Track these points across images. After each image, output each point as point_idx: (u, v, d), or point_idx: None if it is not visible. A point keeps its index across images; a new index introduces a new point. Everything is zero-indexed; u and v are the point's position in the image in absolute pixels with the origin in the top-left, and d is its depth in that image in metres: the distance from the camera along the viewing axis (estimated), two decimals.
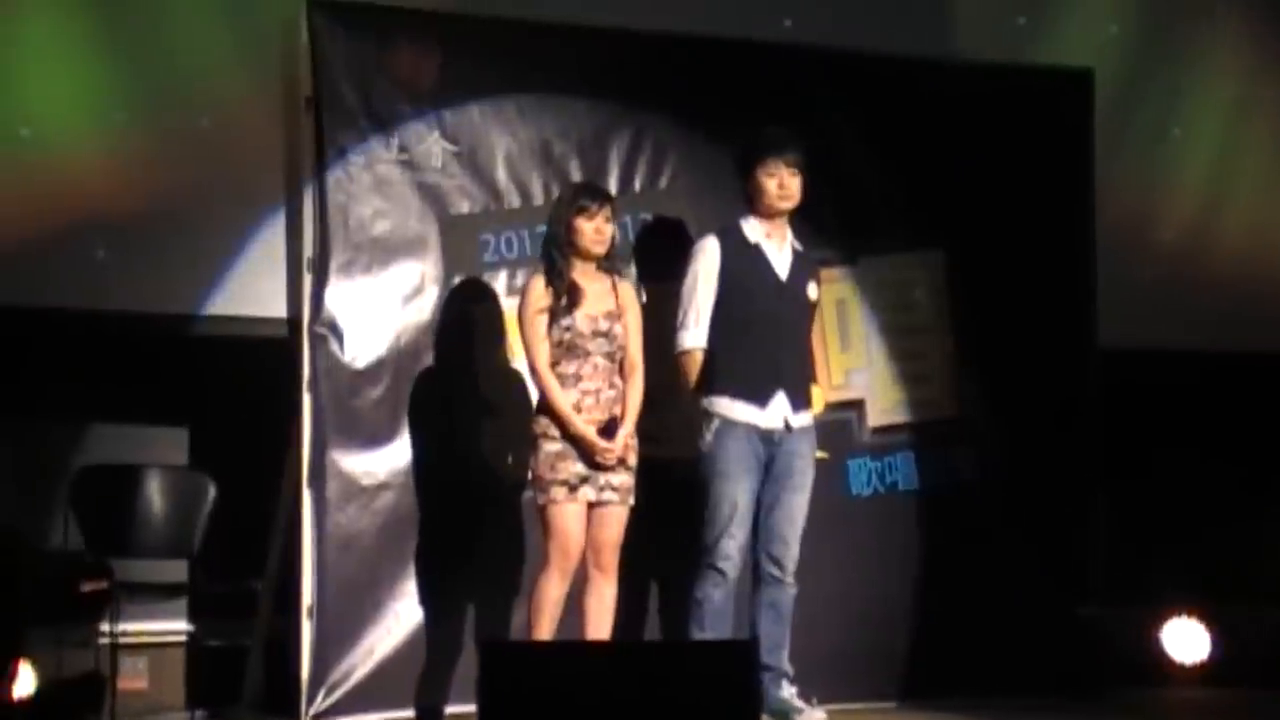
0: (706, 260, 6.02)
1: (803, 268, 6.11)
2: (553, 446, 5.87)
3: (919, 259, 6.96)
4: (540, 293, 5.90)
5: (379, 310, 6.37)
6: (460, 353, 6.41)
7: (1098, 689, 6.85)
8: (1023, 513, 6.94)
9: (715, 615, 5.92)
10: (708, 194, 6.48)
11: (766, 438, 5.96)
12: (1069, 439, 7.03)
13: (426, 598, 6.29)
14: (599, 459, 5.84)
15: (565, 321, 5.89)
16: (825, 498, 6.42)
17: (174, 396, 6.56)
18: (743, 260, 6.03)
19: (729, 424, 5.95)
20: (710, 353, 5.98)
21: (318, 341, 6.30)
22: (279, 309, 6.51)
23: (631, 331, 5.98)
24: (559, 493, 5.85)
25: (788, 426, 5.98)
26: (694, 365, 6.00)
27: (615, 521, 5.92)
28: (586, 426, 5.84)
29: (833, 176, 6.69)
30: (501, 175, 6.51)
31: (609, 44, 6.64)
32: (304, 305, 6.32)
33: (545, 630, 5.84)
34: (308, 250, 6.34)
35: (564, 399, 5.85)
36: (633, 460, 5.92)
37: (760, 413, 5.96)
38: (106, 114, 6.41)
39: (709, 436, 5.96)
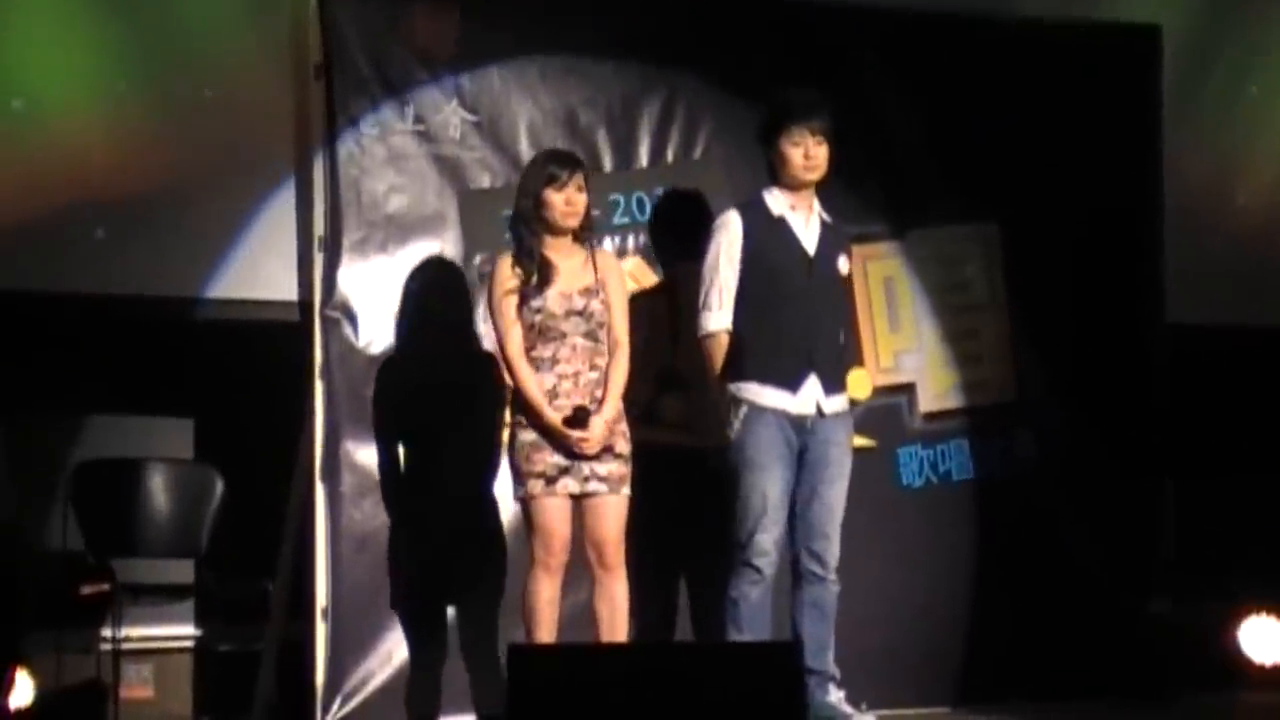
0: (728, 236, 5.98)
1: (832, 241, 6.06)
2: (527, 436, 5.79)
3: (972, 232, 6.95)
4: (507, 273, 5.82)
5: (395, 292, 6.35)
6: (476, 338, 6.36)
7: (1168, 692, 6.84)
8: (1086, 502, 6.92)
9: (752, 615, 5.90)
10: (744, 164, 6.41)
11: (798, 424, 5.92)
12: (1135, 422, 7.03)
13: (405, 601, 6.25)
14: (576, 449, 5.77)
15: (536, 302, 5.80)
16: (874, 489, 6.46)
17: (178, 385, 6.56)
18: (767, 235, 5.99)
19: (757, 410, 5.91)
20: (736, 335, 5.95)
21: (330, 325, 6.30)
22: (289, 291, 6.50)
23: (615, 306, 5.87)
24: (536, 485, 5.77)
25: (820, 412, 5.94)
26: (719, 349, 5.96)
27: (611, 513, 5.81)
28: (554, 415, 5.74)
29: (879, 144, 6.72)
30: (524, 146, 6.48)
31: (639, 2, 6.63)
32: (315, 287, 6.32)
33: (544, 635, 5.77)
34: (319, 228, 6.34)
35: (534, 386, 5.76)
36: (623, 447, 5.83)
37: (791, 398, 5.92)
38: (105, 84, 6.41)
39: (737, 424, 5.92)
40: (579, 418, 5.74)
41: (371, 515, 6.27)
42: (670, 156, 6.63)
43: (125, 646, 6.17)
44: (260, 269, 6.50)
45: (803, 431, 5.94)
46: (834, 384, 6.00)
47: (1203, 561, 7.01)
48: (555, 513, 5.78)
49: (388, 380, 6.23)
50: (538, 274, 5.80)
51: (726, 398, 5.94)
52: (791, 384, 5.92)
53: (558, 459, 5.75)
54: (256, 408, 6.42)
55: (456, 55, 6.44)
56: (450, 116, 6.42)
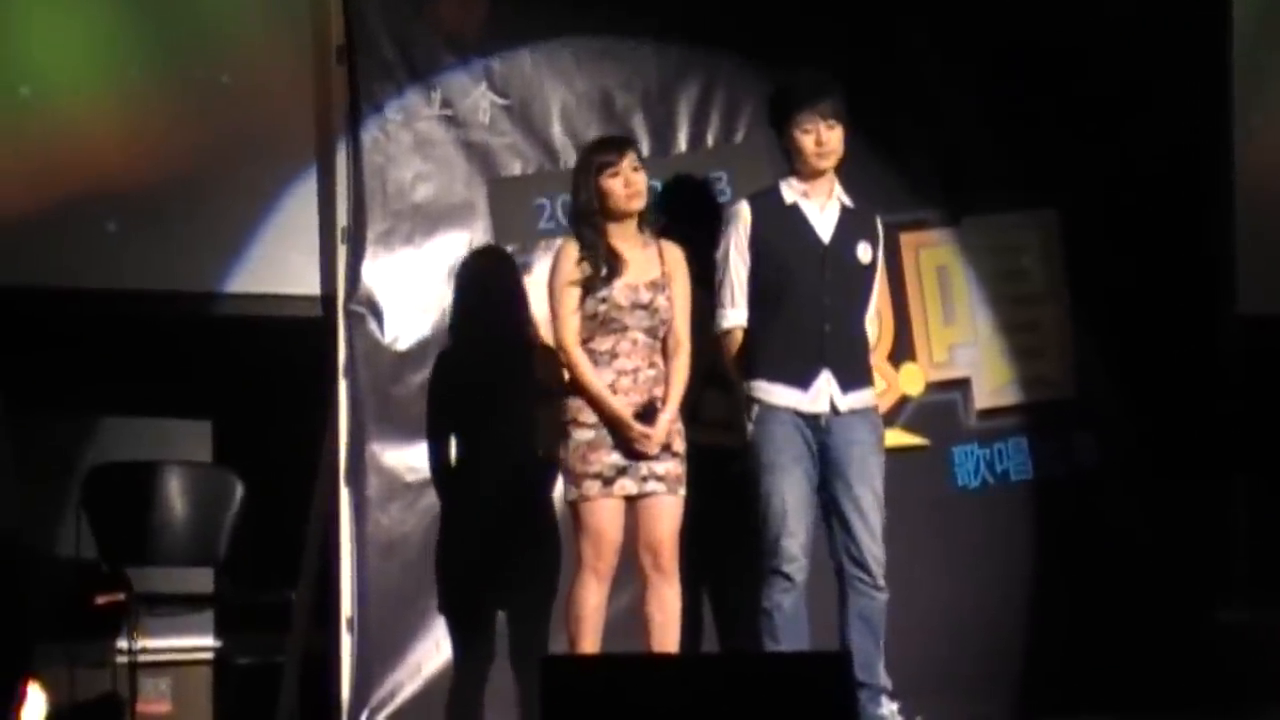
0: (738, 228, 5.98)
1: (852, 227, 6.02)
2: (584, 435, 5.81)
3: (1030, 218, 6.91)
4: (571, 265, 5.86)
5: (422, 285, 6.35)
6: (512, 332, 6.39)
7: (1241, 704, 6.78)
8: (1153, 504, 6.89)
9: (788, 625, 5.87)
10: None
11: (813, 423, 5.91)
12: (1204, 418, 7.00)
13: (455, 607, 6.29)
14: (638, 446, 5.77)
15: (602, 293, 5.84)
16: (927, 490, 6.48)
17: (195, 385, 6.57)
18: (777, 224, 5.98)
19: (770, 410, 5.91)
20: (749, 331, 5.95)
21: (355, 321, 6.28)
22: (311, 285, 6.49)
23: (678, 303, 5.91)
24: (592, 487, 5.79)
25: (835, 409, 5.92)
26: (733, 346, 5.98)
27: (667, 514, 5.84)
28: (622, 407, 5.76)
29: (931, 126, 6.70)
30: (557, 131, 6.48)
31: None
32: (339, 281, 6.31)
33: (589, 643, 5.78)
34: (342, 219, 6.33)
35: (596, 377, 5.80)
36: (680, 446, 5.86)
37: (802, 395, 5.91)
38: (116, 69, 6.40)
39: (751, 425, 5.92)
40: (648, 413, 5.77)
41: (399, 520, 6.27)
42: (710, 141, 6.62)
43: (141, 659, 6.15)
44: (280, 262, 6.49)
45: (819, 431, 5.92)
46: (852, 379, 5.97)
47: (1277, 565, 6.96)
48: (609, 515, 5.79)
49: (443, 372, 6.25)
50: (606, 265, 5.83)
51: (742, 397, 5.95)
52: (803, 381, 5.92)
53: (615, 459, 5.77)
54: (277, 408, 6.41)
55: (486, 36, 6.43)
56: (479, 100, 6.42)
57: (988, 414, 6.79)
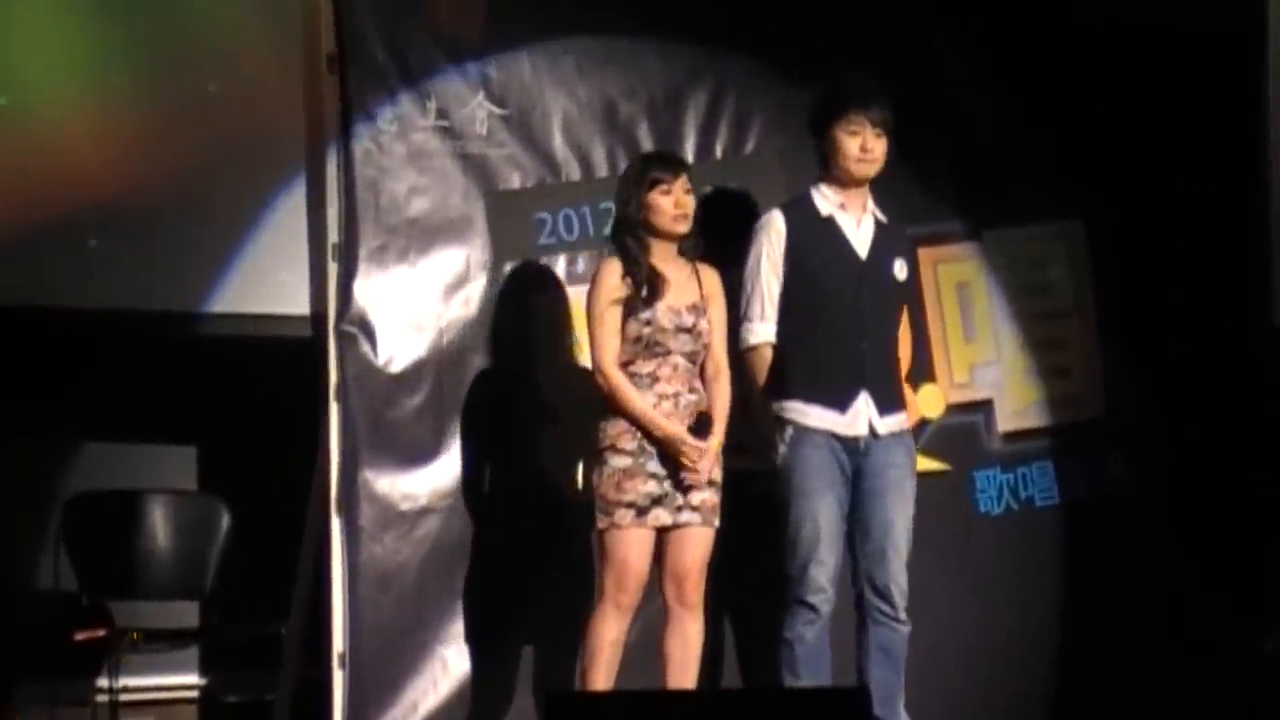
0: (770, 239, 5.96)
1: (888, 242, 6.02)
2: (620, 462, 5.80)
3: (1056, 230, 6.90)
4: (616, 282, 5.86)
5: (417, 304, 6.34)
6: (514, 352, 6.39)
7: None
8: (1187, 529, 6.86)
9: (809, 658, 5.86)
10: (802, 160, 6.35)
11: (850, 447, 5.90)
12: (1242, 439, 6.95)
13: (475, 642, 6.26)
14: (689, 463, 5.76)
15: (645, 314, 5.84)
16: (948, 517, 6.44)
17: (179, 409, 6.58)
18: (813, 237, 5.96)
19: (804, 432, 5.90)
20: (780, 349, 5.94)
21: (346, 342, 6.26)
22: (301, 304, 6.49)
23: (717, 327, 5.94)
24: (624, 516, 5.78)
25: (874, 433, 5.92)
26: (762, 364, 5.96)
27: (698, 546, 5.85)
28: (675, 425, 5.77)
29: (951, 133, 6.67)
30: (558, 142, 6.47)
31: None
32: (329, 300, 6.29)
33: (602, 678, 5.77)
34: (333, 235, 6.31)
35: (640, 399, 5.79)
36: (717, 474, 5.88)
37: (840, 418, 5.90)
38: (97, 77, 6.39)
39: (783, 448, 5.91)
40: (702, 427, 5.79)
41: (394, 550, 6.25)
42: (719, 152, 6.61)
43: (124, 698, 6.14)
44: (269, 280, 6.50)
45: (855, 454, 5.91)
46: (889, 402, 5.96)
47: None
48: (638, 546, 5.79)
49: (441, 394, 6.28)
50: (648, 285, 5.83)
51: (770, 418, 5.92)
52: (840, 403, 5.90)
53: (650, 488, 5.78)
54: (266, 433, 6.42)
55: (482, 42, 6.41)
56: (476, 110, 6.40)
57: (1012, 436, 6.78)
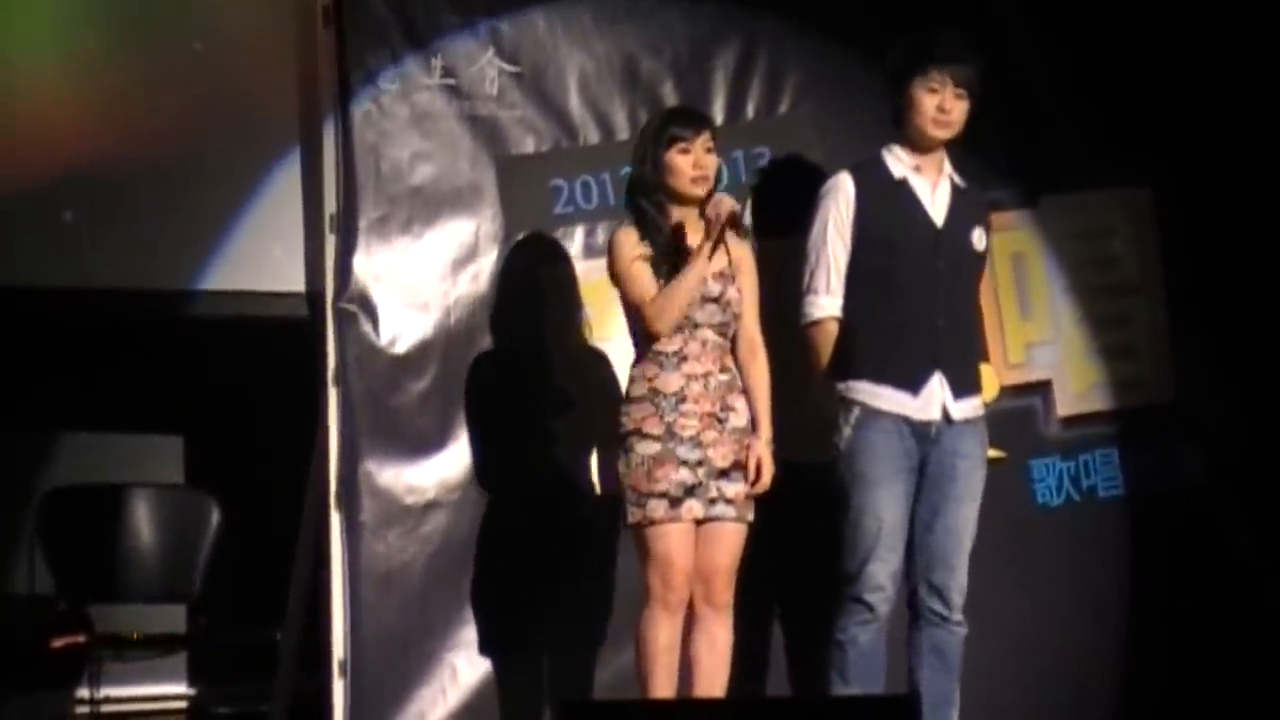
0: (838, 204, 5.92)
1: (966, 209, 5.98)
2: (649, 448, 5.73)
3: (1120, 198, 6.85)
4: (634, 241, 5.80)
5: (422, 280, 6.33)
6: (527, 332, 6.36)
7: None
8: (1265, 522, 6.77)
9: (863, 662, 5.82)
10: (841, 121, 6.39)
11: (921, 432, 5.86)
12: None
13: (488, 648, 6.24)
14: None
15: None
16: (1003, 509, 6.30)
17: (165, 396, 6.68)
18: (885, 202, 5.91)
19: (872, 415, 5.85)
20: (846, 324, 5.90)
21: (345, 321, 6.24)
22: (296, 281, 6.48)
23: (749, 297, 5.89)
24: (657, 508, 5.72)
25: (948, 418, 5.88)
26: (826, 340, 5.91)
27: (729, 542, 5.82)
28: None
29: (1006, 93, 6.53)
30: (575, 103, 6.45)
31: None
32: (327, 276, 6.27)
33: (663, 684, 5.74)
34: (330, 206, 6.28)
35: (682, 275, 5.67)
36: (768, 475, 5.81)
37: (911, 401, 5.86)
38: (71, 37, 6.40)
39: (847, 431, 5.86)
40: (721, 422, 5.73)
41: (398, 548, 6.23)
42: (750, 112, 6.57)
43: (106, 709, 6.23)
44: (261, 255, 6.48)
45: (925, 441, 5.88)
46: (964, 384, 5.93)
47: None
48: (678, 540, 5.75)
49: (481, 378, 6.27)
50: (668, 253, 5.79)
51: (834, 399, 5.89)
52: (913, 384, 5.86)
53: (683, 476, 5.73)
54: (258, 421, 6.57)
55: None
56: (486, 68, 6.38)
57: (1072, 422, 6.73)
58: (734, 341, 5.87)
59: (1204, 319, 6.81)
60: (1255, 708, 6.62)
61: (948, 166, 5.99)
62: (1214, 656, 6.65)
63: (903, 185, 5.93)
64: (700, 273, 5.68)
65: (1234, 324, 6.82)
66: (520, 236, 6.35)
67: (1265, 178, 6.85)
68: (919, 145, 5.93)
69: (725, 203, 5.69)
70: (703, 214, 5.85)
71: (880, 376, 5.85)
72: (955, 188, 5.98)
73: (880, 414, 5.84)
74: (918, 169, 5.94)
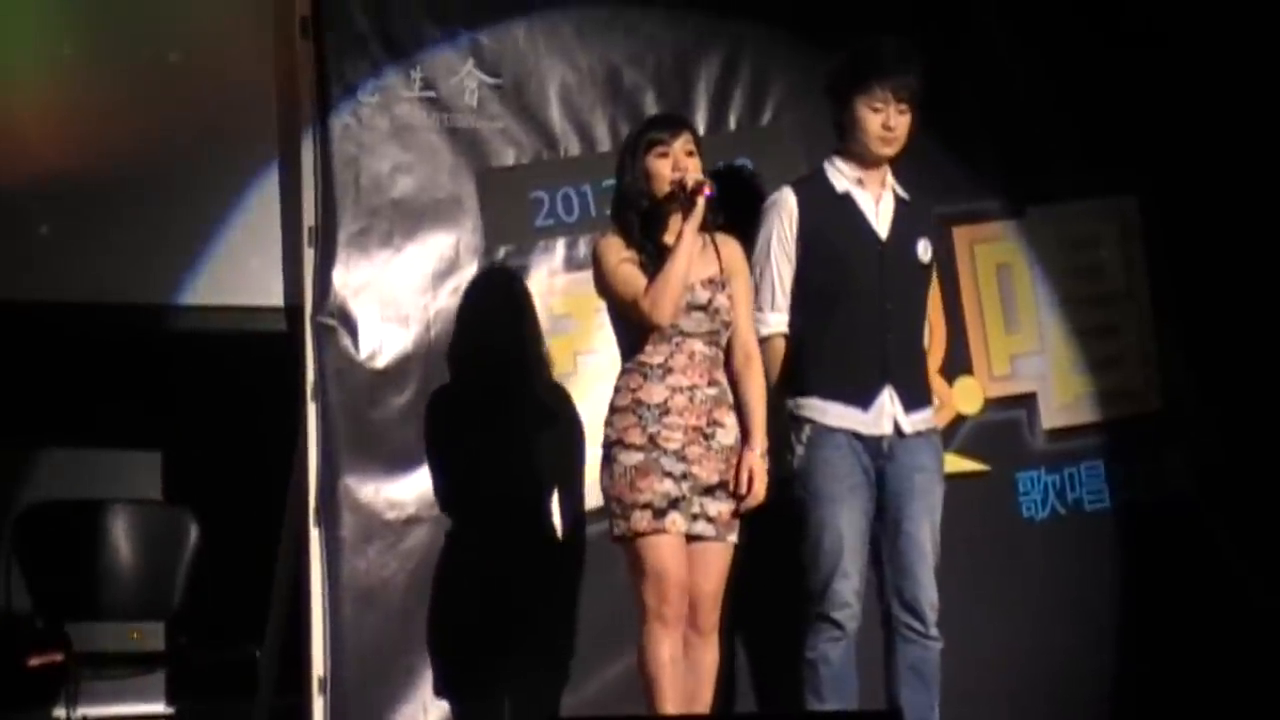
0: (781, 220, 5.94)
1: (911, 221, 5.99)
2: (631, 458, 5.74)
3: (1107, 207, 6.88)
4: (619, 246, 5.79)
5: (402, 293, 6.35)
6: (509, 346, 6.39)
7: None
8: (1255, 536, 6.82)
9: (835, 680, 5.84)
10: (822, 132, 6.28)
11: (873, 447, 5.88)
12: None
13: (467, 665, 6.25)
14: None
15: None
16: (988, 523, 6.43)
17: (143, 411, 6.65)
18: (829, 216, 5.94)
19: (823, 431, 5.88)
20: (794, 340, 5.93)
21: (324, 335, 6.27)
22: (274, 295, 6.48)
23: (741, 305, 5.87)
24: (641, 519, 5.71)
25: (899, 432, 5.91)
26: (774, 357, 5.94)
27: (714, 567, 5.82)
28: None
29: (990, 99, 6.66)
30: (556, 114, 6.48)
31: None
32: (306, 289, 6.29)
33: (670, 702, 5.71)
34: (309, 219, 6.31)
35: (670, 262, 5.65)
36: (760, 488, 5.77)
37: (862, 416, 5.89)
38: (45, 47, 6.41)
39: (800, 449, 5.89)
40: (706, 437, 5.72)
41: (378, 564, 6.24)
42: (733, 123, 6.61)
43: None
44: (239, 268, 6.49)
45: (879, 455, 5.89)
46: (915, 397, 5.95)
47: None
48: (667, 551, 5.72)
49: (430, 394, 6.27)
50: (655, 263, 5.75)
51: (785, 416, 5.89)
52: (863, 399, 5.89)
53: (667, 487, 5.71)
54: (237, 437, 6.52)
55: (473, 5, 6.42)
56: (466, 80, 6.40)
57: (1057, 434, 6.76)
58: (728, 350, 5.85)
59: (1190, 330, 6.86)
60: (1244, 718, 6.65)
61: (890, 179, 5.99)
62: (1202, 667, 6.68)
63: (846, 199, 5.95)
64: (688, 252, 5.66)
65: (1220, 333, 6.86)
66: (502, 249, 6.36)
67: (1251, 187, 6.91)
68: (863, 160, 5.94)
69: (692, 174, 5.68)
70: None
71: (830, 393, 5.86)
72: (899, 200, 5.99)
73: (831, 430, 5.86)
74: (860, 182, 5.96)
